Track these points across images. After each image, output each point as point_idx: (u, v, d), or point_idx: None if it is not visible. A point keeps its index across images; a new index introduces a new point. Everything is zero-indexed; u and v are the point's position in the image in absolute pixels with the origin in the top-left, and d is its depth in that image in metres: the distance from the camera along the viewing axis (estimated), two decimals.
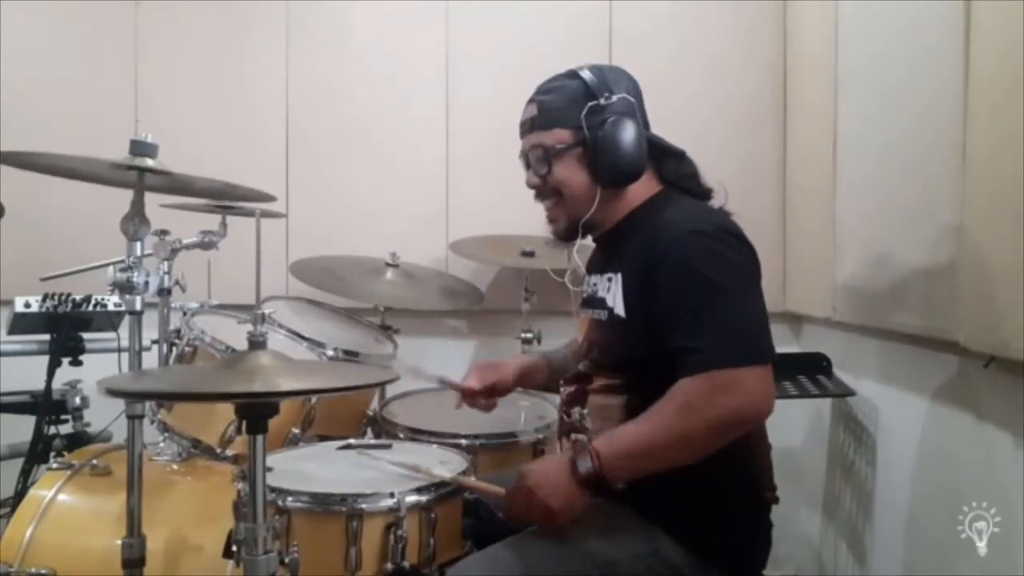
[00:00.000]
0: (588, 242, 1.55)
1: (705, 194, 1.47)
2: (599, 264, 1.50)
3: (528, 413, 2.09)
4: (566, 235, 1.49)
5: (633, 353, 1.35)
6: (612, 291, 1.40)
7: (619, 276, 1.39)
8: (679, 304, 1.27)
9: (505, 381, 1.71)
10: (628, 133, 1.37)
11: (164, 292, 1.78)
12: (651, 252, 1.33)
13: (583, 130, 1.39)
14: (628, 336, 1.36)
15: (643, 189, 1.44)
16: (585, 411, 1.43)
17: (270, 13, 2.77)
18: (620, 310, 1.37)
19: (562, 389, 1.53)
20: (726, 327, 1.24)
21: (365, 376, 1.51)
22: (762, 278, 1.35)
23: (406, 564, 1.37)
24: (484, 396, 1.71)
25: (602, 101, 1.38)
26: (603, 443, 1.26)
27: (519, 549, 1.33)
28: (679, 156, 1.48)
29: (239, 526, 1.15)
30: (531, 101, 1.48)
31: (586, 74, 1.41)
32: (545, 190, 1.48)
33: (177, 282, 1.81)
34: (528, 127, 1.47)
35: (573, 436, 1.43)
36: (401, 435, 1.93)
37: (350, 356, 2.01)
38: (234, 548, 1.16)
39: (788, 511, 2.16)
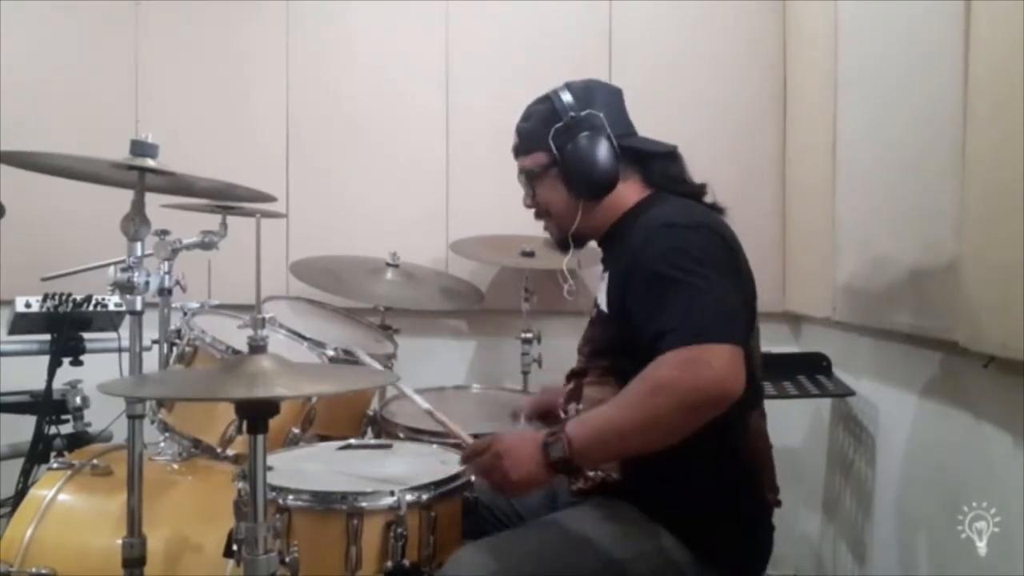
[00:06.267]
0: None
1: (696, 192, 1.49)
2: (601, 267, 1.54)
3: None
4: (561, 247, 1.56)
5: (614, 345, 1.40)
6: (602, 289, 1.45)
7: (607, 274, 1.45)
8: (651, 294, 1.29)
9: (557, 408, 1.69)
10: (593, 148, 1.43)
11: (164, 292, 1.79)
12: (630, 249, 1.38)
13: (552, 151, 1.46)
14: (610, 329, 1.41)
15: (631, 194, 1.48)
16: (580, 406, 1.45)
17: (270, 13, 2.77)
18: (604, 305, 1.43)
19: (564, 387, 1.56)
20: (693, 308, 1.24)
21: (365, 377, 1.52)
22: (744, 273, 1.37)
23: (406, 562, 1.37)
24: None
25: (567, 121, 1.44)
26: (575, 428, 1.25)
27: (527, 539, 1.34)
28: (667, 156, 1.50)
29: (239, 525, 1.15)
30: (516, 128, 1.55)
31: (556, 96, 1.47)
32: (537, 209, 1.56)
33: (177, 282, 1.81)
34: (514, 153, 1.56)
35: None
36: (401, 435, 1.93)
37: (350, 356, 2.01)
38: (235, 547, 1.16)
39: (788, 511, 2.16)
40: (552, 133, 1.45)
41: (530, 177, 1.52)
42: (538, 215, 1.57)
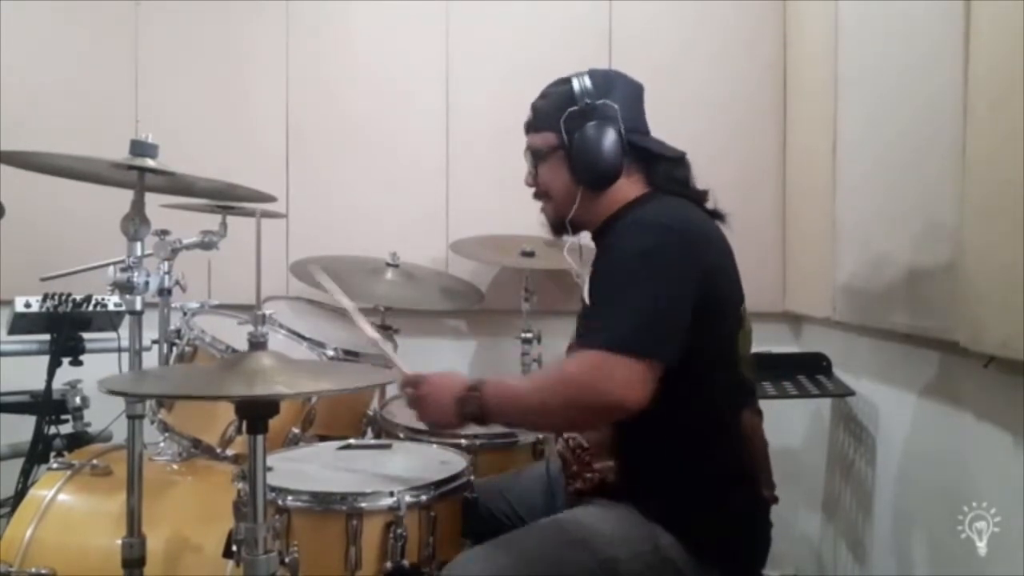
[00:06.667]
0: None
1: (698, 197, 1.48)
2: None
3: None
4: (555, 231, 1.56)
5: None
6: (586, 282, 1.45)
7: (592, 269, 1.45)
8: (599, 289, 1.33)
9: None
10: (602, 137, 1.42)
11: (164, 292, 1.79)
12: (607, 244, 1.40)
13: (562, 133, 1.45)
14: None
15: (630, 191, 1.47)
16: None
17: (270, 13, 2.77)
18: (587, 299, 1.43)
19: None
20: (621, 315, 1.27)
21: (365, 376, 1.52)
22: (720, 277, 1.37)
23: (406, 563, 1.38)
24: None
25: (583, 106, 1.43)
26: (491, 391, 1.33)
27: (524, 542, 1.35)
28: (674, 160, 1.49)
29: (239, 526, 1.15)
30: (531, 105, 1.54)
31: (576, 80, 1.46)
32: (537, 190, 1.55)
33: (177, 282, 1.81)
34: (525, 129, 1.55)
35: (566, 435, 1.47)
36: (401, 435, 1.93)
37: (350, 356, 2.01)
38: (234, 548, 1.16)
39: (788, 511, 2.16)
40: (565, 116, 1.44)
41: (536, 156, 1.52)
42: (537, 195, 1.56)
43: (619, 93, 1.46)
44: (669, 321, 1.28)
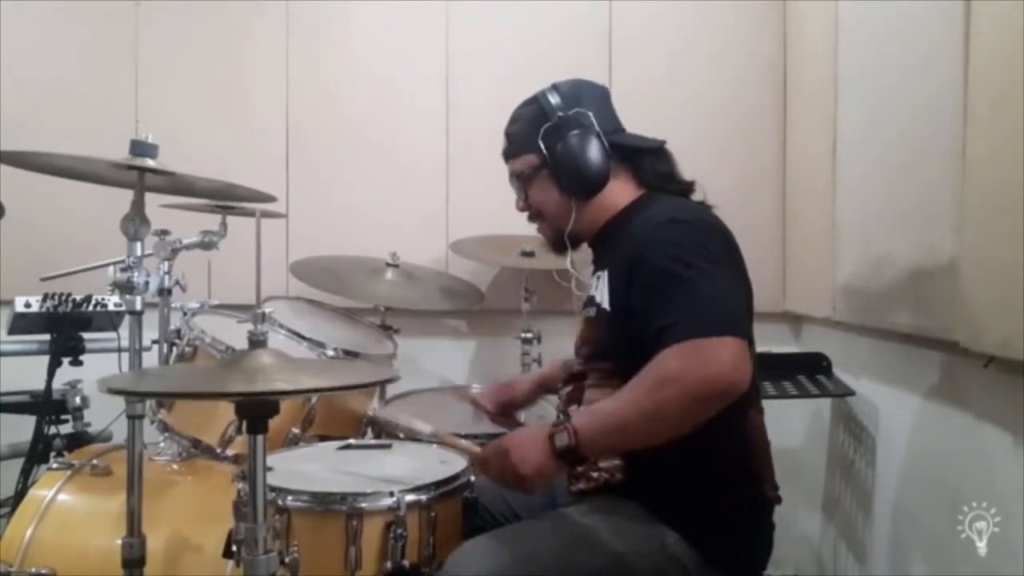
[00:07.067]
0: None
1: (685, 189, 1.50)
2: (593, 267, 1.54)
3: (528, 413, 2.09)
4: (556, 249, 1.57)
5: (619, 344, 1.38)
6: (600, 288, 1.44)
7: (605, 273, 1.43)
8: (656, 289, 1.29)
9: (517, 399, 1.87)
10: (584, 145, 1.44)
11: (164, 292, 1.79)
12: (631, 245, 1.37)
13: (543, 151, 1.46)
14: (614, 327, 1.39)
15: (623, 193, 1.48)
16: (582, 408, 1.44)
17: (270, 13, 2.77)
18: (606, 304, 1.41)
19: (560, 390, 1.57)
20: (699, 302, 1.24)
21: (365, 376, 1.52)
22: (743, 268, 1.39)
23: (406, 563, 1.37)
24: (501, 416, 1.86)
25: (556, 120, 1.44)
26: (583, 420, 1.28)
27: (527, 534, 1.35)
28: (656, 152, 1.51)
29: (239, 526, 1.15)
30: (504, 133, 1.56)
31: (543, 97, 1.48)
32: (531, 212, 1.57)
33: (177, 282, 1.81)
34: (504, 157, 1.57)
35: None
36: (401, 435, 1.93)
37: (350, 356, 2.01)
38: (234, 548, 1.16)
39: (788, 511, 2.15)
40: (541, 133, 1.45)
41: (521, 179, 1.53)
42: (531, 217, 1.57)
43: (588, 99, 1.47)
44: (739, 302, 1.30)
